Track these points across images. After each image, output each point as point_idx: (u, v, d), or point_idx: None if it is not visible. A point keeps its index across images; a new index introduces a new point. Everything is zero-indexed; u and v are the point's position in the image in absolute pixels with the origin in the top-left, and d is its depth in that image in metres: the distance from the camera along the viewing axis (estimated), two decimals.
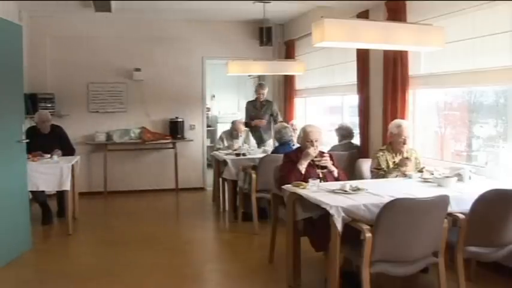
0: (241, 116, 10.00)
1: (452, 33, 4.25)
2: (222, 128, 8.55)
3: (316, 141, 4.10)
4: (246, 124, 7.05)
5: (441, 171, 4.04)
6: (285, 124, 5.83)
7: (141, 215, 6.27)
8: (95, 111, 7.55)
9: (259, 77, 9.08)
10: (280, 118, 7.25)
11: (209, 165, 8.66)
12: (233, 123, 6.81)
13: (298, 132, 5.14)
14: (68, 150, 5.95)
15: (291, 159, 4.14)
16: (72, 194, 5.53)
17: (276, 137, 5.58)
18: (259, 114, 7.13)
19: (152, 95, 7.74)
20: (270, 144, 6.90)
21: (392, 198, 2.98)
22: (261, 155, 5.64)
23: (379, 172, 4.25)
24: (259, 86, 7.16)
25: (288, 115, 7.91)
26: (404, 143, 4.27)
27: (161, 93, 7.78)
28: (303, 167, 4.02)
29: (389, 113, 4.99)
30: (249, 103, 7.28)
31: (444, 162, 4.61)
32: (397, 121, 4.44)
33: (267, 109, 7.16)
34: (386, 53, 5.10)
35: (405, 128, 4.30)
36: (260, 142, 7.00)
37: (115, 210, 6.68)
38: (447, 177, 3.75)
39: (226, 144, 6.70)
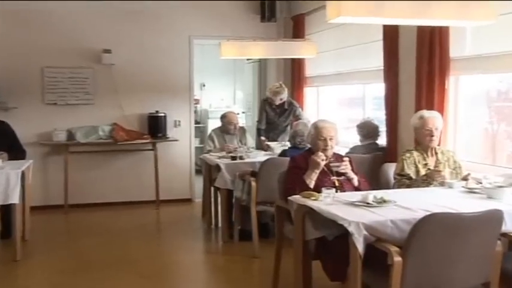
0: (239, 109, 10.06)
1: (507, 3, 4.12)
2: (214, 124, 8.50)
3: (330, 139, 4.13)
4: (259, 132, 7.10)
5: (492, 179, 3.99)
6: (306, 122, 5.79)
7: (111, 235, 6.24)
8: (53, 103, 7.51)
9: (260, 62, 9.12)
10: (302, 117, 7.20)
11: (198, 172, 8.65)
12: (224, 116, 6.80)
13: (302, 125, 5.15)
14: (16, 152, 5.89)
15: (298, 165, 4.14)
16: (21, 209, 5.44)
17: (290, 137, 5.57)
18: (282, 118, 7.10)
19: (126, 83, 7.73)
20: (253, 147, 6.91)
21: (427, 213, 2.97)
22: (263, 158, 5.65)
23: (401, 180, 4.29)
24: (275, 94, 6.96)
25: None
26: (431, 136, 4.28)
27: (138, 81, 7.77)
28: (310, 179, 4.02)
29: (424, 105, 4.96)
30: (265, 103, 7.17)
31: (496, 168, 4.59)
32: (419, 112, 4.48)
33: (290, 113, 7.10)
34: (420, 30, 5.06)
35: (431, 118, 4.32)
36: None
37: (78, 229, 6.64)
38: (500, 186, 3.72)
39: (217, 144, 6.71)
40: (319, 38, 7.27)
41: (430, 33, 4.93)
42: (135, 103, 7.77)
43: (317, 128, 4.17)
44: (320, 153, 4.05)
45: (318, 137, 4.14)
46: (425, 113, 4.42)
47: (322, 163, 4.02)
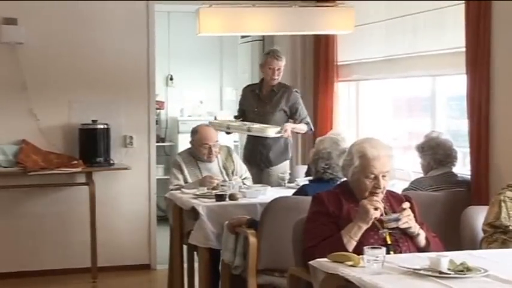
0: (229, 116, 10.04)
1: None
2: (187, 143, 8.47)
3: (383, 176, 4.16)
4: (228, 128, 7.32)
5: None
6: (337, 137, 5.77)
7: None
8: None
9: (264, 41, 9.18)
10: (310, 122, 7.46)
11: (162, 220, 8.56)
12: (195, 132, 6.82)
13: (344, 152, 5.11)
14: None
15: (326, 210, 4.17)
16: None
17: (312, 164, 5.52)
18: (264, 109, 7.35)
19: (42, 74, 7.76)
20: (249, 178, 7.02)
21: None
22: (268, 198, 5.64)
23: (496, 234, 4.33)
24: (272, 56, 7.37)
25: (320, 117, 7.94)
26: None
27: (61, 71, 7.80)
28: (351, 237, 4.02)
29: None
30: (247, 89, 7.60)
31: None
32: None
33: (279, 102, 7.36)
34: None
35: None
36: (261, 174, 7.15)
37: None
38: None
39: (188, 177, 6.74)
40: (360, 1, 7.28)
41: None
42: (57, 107, 7.80)
43: (364, 158, 4.17)
44: (376, 199, 4.06)
45: (365, 172, 4.15)
46: None
47: (377, 214, 4.02)
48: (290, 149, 7.60)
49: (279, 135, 7.17)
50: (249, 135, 7.46)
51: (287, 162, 7.54)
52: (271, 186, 6.76)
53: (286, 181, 6.82)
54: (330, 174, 5.25)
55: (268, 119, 7.31)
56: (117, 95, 7.97)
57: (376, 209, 4.00)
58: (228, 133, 7.70)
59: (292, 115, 7.39)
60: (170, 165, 7.36)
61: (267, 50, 7.72)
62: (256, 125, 7.20)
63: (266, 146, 7.33)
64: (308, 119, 7.47)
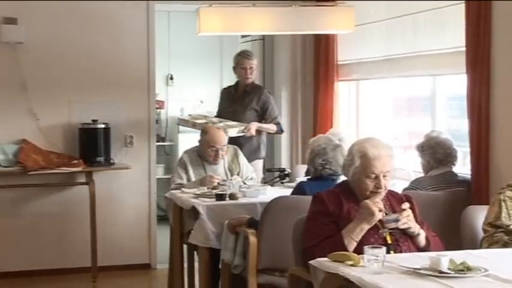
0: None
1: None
2: (187, 142, 8.55)
3: (384, 176, 4.17)
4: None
5: None
6: (334, 137, 5.76)
7: None
8: None
9: (264, 40, 9.17)
10: (280, 123, 7.64)
11: (162, 220, 8.57)
12: (205, 132, 6.82)
13: (341, 147, 5.16)
14: None
15: (326, 210, 4.18)
16: None
17: (310, 164, 5.50)
18: (236, 109, 7.51)
19: (42, 73, 7.76)
20: (255, 178, 7.04)
21: None
22: (268, 197, 5.65)
23: (496, 234, 4.34)
24: (242, 56, 7.61)
25: (321, 117, 7.94)
26: None
27: (61, 70, 7.80)
28: (352, 238, 4.03)
29: None
30: (225, 90, 7.95)
31: None
32: None
33: (251, 101, 7.52)
34: None
35: None
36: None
37: None
38: None
39: (193, 176, 6.74)
40: (360, 1, 7.28)
41: None
42: (56, 107, 7.81)
43: (365, 158, 4.18)
44: (378, 200, 4.08)
45: (366, 172, 4.16)
46: None
47: (380, 215, 4.03)
48: (263, 148, 7.72)
49: (241, 134, 7.29)
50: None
51: (259, 161, 7.63)
52: None
53: (257, 180, 6.92)
54: (329, 170, 5.25)
55: (239, 118, 7.42)
56: (117, 94, 7.97)
57: (380, 210, 4.01)
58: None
59: (262, 114, 7.54)
60: (176, 162, 7.35)
61: (241, 51, 7.94)
62: (220, 124, 7.26)
63: (238, 144, 7.28)
64: (279, 120, 7.64)
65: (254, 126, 7.43)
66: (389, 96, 7.77)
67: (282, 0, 7.60)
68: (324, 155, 5.28)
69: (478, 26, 5.57)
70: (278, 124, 7.66)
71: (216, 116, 7.81)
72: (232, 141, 7.16)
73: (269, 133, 7.74)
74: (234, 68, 7.73)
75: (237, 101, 7.61)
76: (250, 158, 7.37)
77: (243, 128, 7.31)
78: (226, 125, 7.28)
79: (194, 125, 7.59)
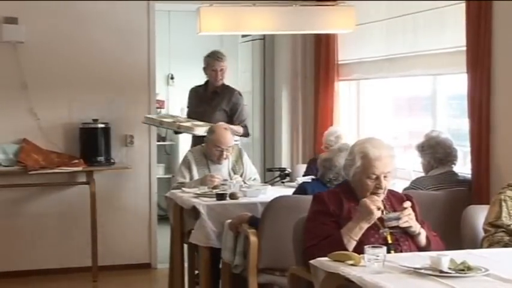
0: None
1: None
2: (188, 142, 8.43)
3: (385, 177, 4.18)
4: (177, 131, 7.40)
5: None
6: (331, 136, 5.75)
7: None
8: None
9: (265, 40, 9.17)
10: (247, 126, 7.63)
11: (163, 219, 8.58)
12: (211, 131, 6.79)
13: (344, 152, 5.07)
14: None
15: (327, 210, 4.19)
16: None
17: (322, 168, 5.49)
18: (205, 109, 7.43)
19: (43, 73, 7.77)
20: (258, 179, 7.02)
21: None
22: (269, 197, 5.65)
23: (497, 233, 4.36)
24: (213, 58, 7.49)
25: (321, 116, 7.92)
26: None
27: (62, 70, 7.81)
28: (351, 237, 4.04)
29: None
30: (193, 90, 7.95)
31: None
32: None
33: (221, 102, 7.46)
34: None
35: None
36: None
37: None
38: None
39: (196, 175, 6.73)
40: (361, 1, 7.27)
41: None
42: (57, 107, 7.81)
43: (367, 159, 4.18)
44: (377, 198, 4.08)
45: (367, 173, 4.17)
46: None
47: (378, 213, 4.03)
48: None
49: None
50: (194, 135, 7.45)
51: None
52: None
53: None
54: (335, 180, 5.25)
55: (209, 119, 7.29)
56: (117, 94, 7.99)
57: (378, 208, 4.02)
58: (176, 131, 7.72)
59: (231, 116, 7.47)
60: (176, 163, 7.35)
61: (208, 53, 7.76)
62: (188, 123, 7.25)
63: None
64: (246, 123, 7.62)
65: (239, 130, 7.41)
66: (389, 96, 7.76)
67: (283, 0, 7.63)
68: (337, 173, 5.24)
69: (478, 26, 5.58)
70: (245, 127, 7.62)
71: (187, 116, 7.74)
72: (200, 141, 7.12)
73: (235, 135, 7.47)
74: (204, 69, 7.64)
75: (207, 101, 7.55)
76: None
77: (177, 124, 7.27)
78: (194, 124, 7.22)
79: (161, 123, 7.54)
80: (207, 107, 7.49)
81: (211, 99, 7.53)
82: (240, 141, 7.93)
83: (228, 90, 7.61)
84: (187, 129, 7.24)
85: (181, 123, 7.24)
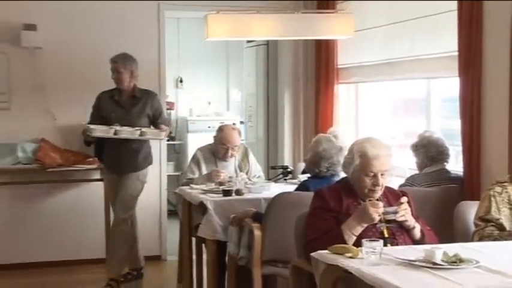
0: (235, 118, 10.08)
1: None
2: (196, 141, 8.58)
3: (382, 175, 4.18)
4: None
5: None
6: (330, 135, 5.86)
7: None
8: None
9: (268, 45, 9.20)
10: (168, 123, 7.49)
11: (172, 214, 8.58)
12: (220, 130, 6.82)
13: (343, 150, 5.16)
14: None
15: (327, 206, 4.19)
16: None
17: (310, 164, 5.58)
18: (127, 115, 6.97)
19: (60, 76, 7.79)
20: (262, 177, 7.00)
21: None
22: (272, 193, 5.67)
23: (487, 228, 4.35)
24: (111, 61, 7.08)
25: (321, 117, 7.94)
26: None
27: (77, 73, 7.82)
28: (352, 233, 4.04)
29: None
30: (104, 95, 7.18)
31: None
32: None
33: (144, 107, 7.04)
34: None
35: None
36: (121, 180, 7.02)
37: None
38: None
39: (205, 171, 6.74)
40: (360, 8, 7.30)
41: None
42: (73, 108, 7.81)
43: (365, 157, 4.18)
44: (378, 204, 4.05)
45: (365, 171, 4.16)
46: None
47: (378, 219, 4.03)
48: (152, 154, 7.37)
49: (145, 137, 6.95)
50: (110, 141, 7.04)
51: (150, 168, 7.37)
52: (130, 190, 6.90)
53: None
54: (332, 171, 5.34)
55: (133, 124, 6.92)
56: None
57: (379, 215, 4.00)
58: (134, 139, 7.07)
59: (155, 119, 7.11)
60: (185, 160, 7.26)
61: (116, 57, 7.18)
62: (150, 130, 6.95)
63: (133, 152, 7.05)
64: (169, 121, 7.55)
65: (167, 131, 7.22)
66: (387, 98, 7.75)
67: (286, 8, 7.63)
68: (330, 159, 5.35)
69: (470, 32, 5.58)
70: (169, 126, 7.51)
71: (91, 122, 7.08)
72: (129, 149, 6.96)
73: (154, 139, 7.26)
74: (112, 72, 7.13)
75: (125, 107, 7.05)
76: (143, 166, 7.14)
77: (139, 131, 6.85)
78: (156, 131, 7.01)
79: (116, 133, 6.81)
80: (130, 113, 7.00)
81: (130, 105, 7.05)
82: (245, 141, 7.87)
83: (147, 94, 7.15)
84: (154, 135, 7.01)
85: (144, 131, 6.85)
